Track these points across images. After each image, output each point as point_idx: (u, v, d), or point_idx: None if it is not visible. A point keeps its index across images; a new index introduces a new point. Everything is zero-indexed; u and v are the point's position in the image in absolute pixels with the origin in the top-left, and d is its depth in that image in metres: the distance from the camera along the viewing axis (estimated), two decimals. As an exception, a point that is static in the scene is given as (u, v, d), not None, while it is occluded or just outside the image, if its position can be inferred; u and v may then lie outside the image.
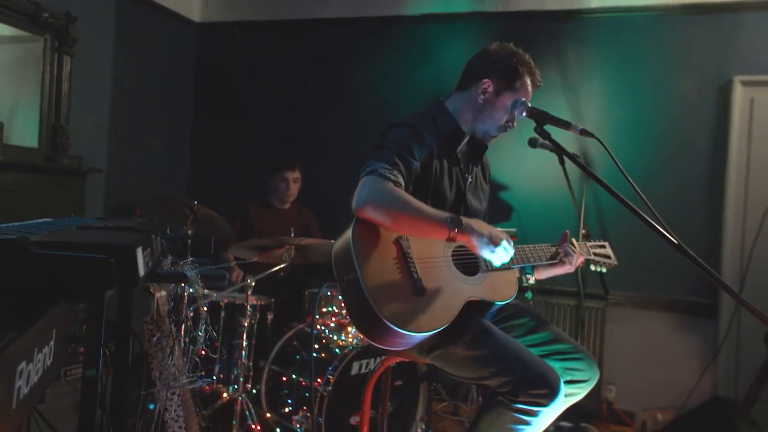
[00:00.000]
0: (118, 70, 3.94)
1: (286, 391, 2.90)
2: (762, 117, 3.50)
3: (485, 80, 1.85)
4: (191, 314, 1.80)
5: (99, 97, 3.87)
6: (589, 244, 2.09)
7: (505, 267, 1.82)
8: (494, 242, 1.68)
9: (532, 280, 1.98)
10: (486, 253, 1.71)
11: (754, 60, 3.48)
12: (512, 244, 1.75)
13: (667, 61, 3.66)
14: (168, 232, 1.74)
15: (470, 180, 1.97)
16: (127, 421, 1.69)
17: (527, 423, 1.60)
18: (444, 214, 1.69)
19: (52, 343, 0.95)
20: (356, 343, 2.83)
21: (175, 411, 1.76)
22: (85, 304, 1.13)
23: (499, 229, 1.77)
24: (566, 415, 3.25)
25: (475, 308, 1.73)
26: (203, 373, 1.54)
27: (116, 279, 0.88)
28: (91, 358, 1.22)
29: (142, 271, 0.97)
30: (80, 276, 0.88)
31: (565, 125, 1.72)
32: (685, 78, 3.61)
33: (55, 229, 1.16)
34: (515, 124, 1.89)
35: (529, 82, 1.86)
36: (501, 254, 1.70)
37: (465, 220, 1.70)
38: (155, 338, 1.61)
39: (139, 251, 0.96)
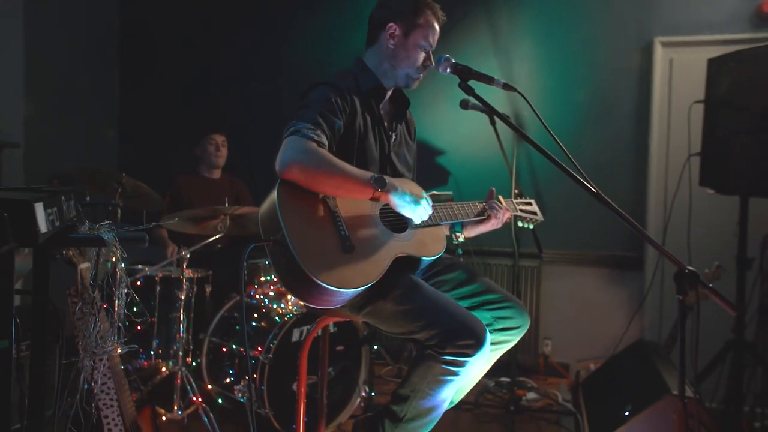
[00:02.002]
0: (30, 36, 3.67)
1: (227, 362, 2.87)
2: (681, 76, 3.65)
3: (390, 24, 1.87)
4: (119, 284, 1.74)
5: (10, 65, 3.61)
6: (515, 201, 2.14)
7: (433, 224, 1.85)
8: (415, 200, 1.72)
9: (461, 238, 2.02)
10: (407, 212, 1.74)
11: (672, 21, 3.62)
12: (431, 202, 1.79)
13: (594, 25, 3.76)
14: (88, 199, 1.65)
15: (394, 138, 1.97)
16: (50, 397, 1.63)
17: (455, 374, 1.62)
18: (368, 174, 1.69)
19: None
20: (296, 311, 2.82)
21: (104, 383, 1.72)
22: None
23: (418, 186, 1.79)
24: (504, 370, 3.42)
25: (404, 264, 1.75)
26: (126, 340, 1.50)
27: (12, 235, 0.83)
28: (1, 327, 1.16)
29: (43, 228, 0.92)
30: (-28, 233, 0.83)
31: (488, 80, 1.74)
32: (611, 40, 3.73)
33: (-50, 192, 1.09)
34: (433, 61, 1.88)
35: (430, 14, 1.88)
36: (420, 212, 1.75)
37: (389, 179, 1.71)
38: (78, 308, 1.55)
39: (39, 207, 0.91)
